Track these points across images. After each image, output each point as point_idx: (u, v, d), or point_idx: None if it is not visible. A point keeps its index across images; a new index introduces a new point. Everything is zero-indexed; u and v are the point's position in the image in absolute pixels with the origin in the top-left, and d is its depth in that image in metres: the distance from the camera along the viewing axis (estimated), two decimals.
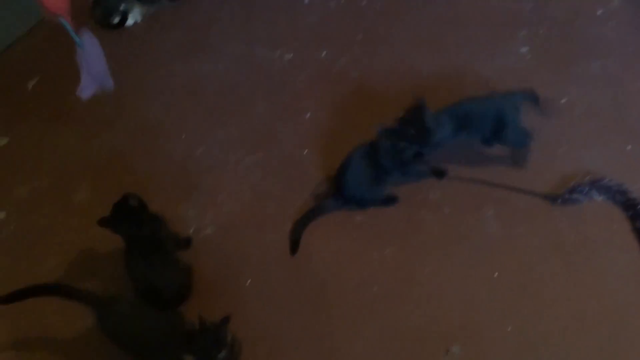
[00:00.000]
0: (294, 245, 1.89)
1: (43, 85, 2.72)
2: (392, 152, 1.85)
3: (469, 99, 2.02)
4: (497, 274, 1.79)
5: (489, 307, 1.72)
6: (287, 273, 1.86)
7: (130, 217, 1.67)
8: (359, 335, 1.71)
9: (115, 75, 2.66)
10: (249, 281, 1.85)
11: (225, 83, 2.58)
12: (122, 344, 1.60)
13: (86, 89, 1.82)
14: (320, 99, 2.43)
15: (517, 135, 2.00)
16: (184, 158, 2.27)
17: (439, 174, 2.02)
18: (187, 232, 2.00)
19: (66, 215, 2.13)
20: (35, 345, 1.85)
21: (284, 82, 2.54)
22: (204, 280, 1.87)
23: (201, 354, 1.40)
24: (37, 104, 2.62)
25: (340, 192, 1.95)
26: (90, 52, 1.79)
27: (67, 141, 2.41)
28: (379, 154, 1.87)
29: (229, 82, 2.59)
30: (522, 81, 2.37)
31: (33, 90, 2.70)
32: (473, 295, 1.76)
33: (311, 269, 1.85)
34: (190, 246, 1.93)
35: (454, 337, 1.67)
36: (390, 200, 1.99)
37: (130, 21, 3.01)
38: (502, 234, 1.89)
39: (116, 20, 2.97)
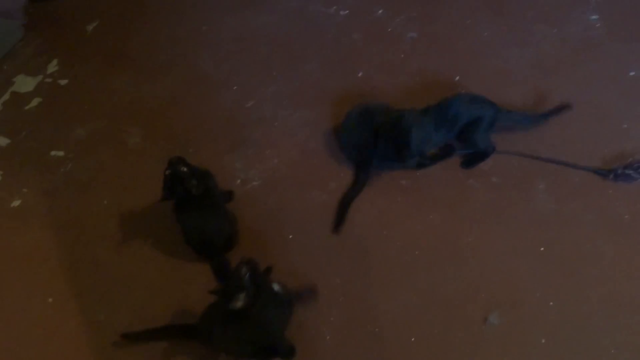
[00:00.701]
0: (338, 225, 1.88)
1: (102, 29, 2.77)
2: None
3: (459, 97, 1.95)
4: (543, 248, 1.75)
5: (532, 281, 1.69)
6: (329, 232, 1.87)
7: (181, 182, 1.70)
8: (398, 297, 1.71)
9: (172, 24, 2.72)
10: (291, 236, 1.87)
11: (278, 37, 2.56)
12: None
13: None
14: (373, 58, 2.38)
15: (483, 143, 1.94)
16: (234, 110, 2.28)
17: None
18: (234, 183, 2.03)
19: (120, 157, 2.19)
20: None
21: (338, 40, 2.50)
22: (249, 232, 1.90)
23: (223, 293, 1.45)
24: (96, 48, 2.68)
25: (405, 152, 1.87)
26: None
27: (123, 85, 2.46)
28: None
29: (282, 36, 2.56)
30: (590, 51, 2.26)
31: (92, 33, 2.75)
32: (516, 267, 1.73)
33: (353, 229, 1.85)
34: (232, 199, 1.97)
35: (494, 306, 1.65)
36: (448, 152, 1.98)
37: None
38: (552, 209, 1.83)
39: None
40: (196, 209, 1.76)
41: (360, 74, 2.34)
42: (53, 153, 2.24)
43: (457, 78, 2.24)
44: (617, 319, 1.60)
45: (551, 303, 1.64)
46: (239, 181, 2.04)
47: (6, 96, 2.53)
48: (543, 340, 1.59)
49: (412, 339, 1.63)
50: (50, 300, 1.85)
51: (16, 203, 2.12)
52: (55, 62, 2.63)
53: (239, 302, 1.40)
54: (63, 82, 2.53)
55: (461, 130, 1.92)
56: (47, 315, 1.82)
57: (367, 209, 1.90)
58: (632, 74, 2.16)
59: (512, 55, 2.30)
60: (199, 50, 2.56)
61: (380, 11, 2.58)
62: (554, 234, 1.78)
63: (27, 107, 2.45)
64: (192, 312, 1.69)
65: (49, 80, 2.55)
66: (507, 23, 2.44)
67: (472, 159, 1.96)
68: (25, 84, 2.56)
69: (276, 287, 1.54)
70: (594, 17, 2.40)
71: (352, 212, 1.90)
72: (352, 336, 1.67)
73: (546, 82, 2.18)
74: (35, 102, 2.47)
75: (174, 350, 1.69)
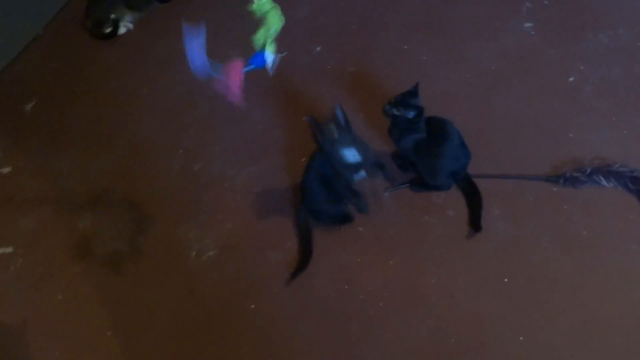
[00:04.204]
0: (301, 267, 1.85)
1: (41, 107, 2.71)
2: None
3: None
4: (506, 279, 1.72)
5: (500, 317, 1.66)
6: (291, 292, 1.83)
7: None
8: (365, 354, 1.67)
9: (112, 91, 2.67)
10: (253, 306, 1.82)
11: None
12: None
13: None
14: (316, 98, 2.35)
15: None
16: (183, 175, 2.24)
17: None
18: (190, 256, 1.98)
19: (71, 244, 2.13)
20: None
21: (278, 84, 2.46)
22: (209, 306, 1.85)
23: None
24: (36, 128, 2.62)
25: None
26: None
27: (67, 165, 2.40)
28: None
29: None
30: (528, 61, 2.26)
31: (31, 112, 2.69)
32: (483, 303, 1.69)
33: (314, 289, 1.81)
34: None
35: (465, 350, 1.62)
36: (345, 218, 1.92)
37: (122, 29, 2.97)
38: (511, 234, 1.81)
39: (108, 29, 2.94)
40: None
41: (304, 118, 2.30)
42: (1, 250, 2.17)
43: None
44: (589, 344, 1.57)
45: (521, 338, 1.60)
46: (194, 253, 1.99)
47: None
48: None
49: None
50: None
51: None
52: None
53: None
54: (5, 170, 2.46)
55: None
56: None
57: (327, 264, 1.86)
58: (570, 79, 2.16)
59: (452, 76, 2.29)
60: (140, 115, 2.52)
61: (318, 49, 2.56)
62: (515, 262, 1.75)
63: None
64: None
65: None
66: (444, 43, 2.43)
67: (422, 185, 1.93)
68: None
69: None
70: (528, 24, 2.40)
71: (313, 269, 1.86)
72: None
73: (488, 99, 2.17)
74: None
75: None
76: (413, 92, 1.78)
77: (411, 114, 1.76)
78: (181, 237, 2.03)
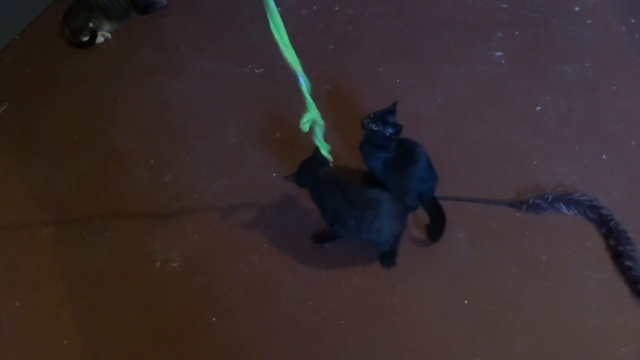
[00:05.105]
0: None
1: (12, 112, 2.67)
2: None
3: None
4: (466, 301, 1.74)
5: (458, 337, 1.68)
6: (253, 306, 1.82)
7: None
8: None
9: (85, 99, 2.66)
10: (214, 319, 1.81)
11: (194, 103, 2.53)
12: None
13: None
14: (290, 115, 2.37)
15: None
16: (152, 186, 2.23)
17: None
18: (154, 267, 1.96)
19: (34, 252, 2.09)
20: None
21: (254, 100, 2.49)
22: (170, 318, 1.83)
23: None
24: (6, 133, 2.58)
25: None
26: None
27: (35, 171, 2.37)
28: None
29: (198, 101, 2.54)
30: (497, 89, 2.32)
31: (2, 117, 2.66)
32: (443, 323, 1.71)
33: (276, 304, 1.81)
34: None
35: None
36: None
37: (100, 38, 2.96)
38: (473, 257, 1.84)
39: (85, 37, 2.93)
40: None
41: (277, 135, 2.32)
42: None
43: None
44: None
45: None
46: (158, 264, 1.97)
47: None
48: None
49: None
50: None
51: None
52: None
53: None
54: None
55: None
56: None
57: (291, 280, 1.87)
58: (537, 109, 2.22)
59: (424, 100, 2.34)
60: (113, 125, 2.50)
61: None
62: (476, 284, 1.78)
63: None
64: None
65: None
66: (417, 67, 2.49)
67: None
68: None
69: None
70: (499, 53, 2.47)
71: (275, 285, 1.86)
72: None
73: (458, 124, 2.22)
74: None
75: None
76: (391, 110, 1.80)
77: (389, 131, 1.78)
78: (147, 247, 2.01)
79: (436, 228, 1.87)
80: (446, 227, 1.85)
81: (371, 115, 1.80)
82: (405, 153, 1.86)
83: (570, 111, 2.20)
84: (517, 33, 2.55)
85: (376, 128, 1.78)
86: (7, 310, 1.94)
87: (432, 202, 1.92)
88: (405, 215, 1.82)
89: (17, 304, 1.95)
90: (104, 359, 1.78)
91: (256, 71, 2.63)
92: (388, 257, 1.84)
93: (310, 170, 1.74)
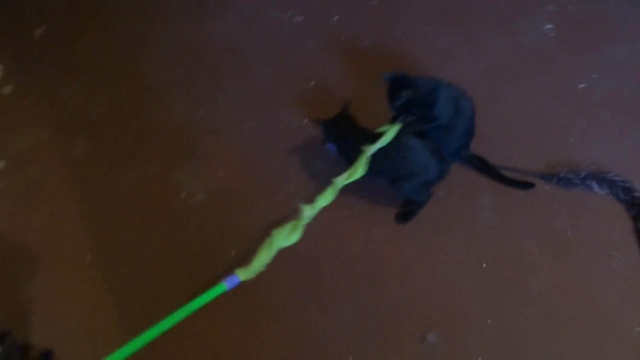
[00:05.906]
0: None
1: (50, 34, 2.69)
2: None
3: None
4: (485, 264, 1.74)
5: (472, 298, 1.68)
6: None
7: None
8: (338, 314, 1.69)
9: (122, 29, 2.66)
10: (233, 252, 1.83)
11: (231, 43, 2.52)
12: None
13: None
14: (326, 66, 2.35)
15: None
16: (183, 119, 2.24)
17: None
18: (179, 197, 1.98)
19: (64, 169, 2.13)
20: None
21: (291, 47, 2.46)
22: (190, 247, 1.86)
23: None
24: (43, 54, 2.61)
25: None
26: None
27: (69, 94, 2.40)
28: None
29: (235, 42, 2.52)
30: (542, 62, 2.26)
31: (40, 39, 2.68)
32: (458, 283, 1.71)
33: (296, 245, 1.82)
34: None
35: (432, 325, 1.64)
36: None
37: None
38: (497, 224, 1.82)
39: None
40: None
41: (312, 83, 2.30)
42: None
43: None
44: (553, 338, 1.59)
45: (489, 321, 1.62)
46: (183, 194, 1.99)
47: None
48: (480, 359, 1.58)
49: (350, 358, 1.61)
50: None
51: None
52: None
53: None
54: (6, 90, 2.45)
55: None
56: None
57: (312, 223, 1.86)
58: (581, 86, 2.16)
59: (465, 65, 2.29)
60: (148, 57, 2.51)
61: (335, 18, 2.55)
62: (496, 250, 1.76)
63: None
64: None
65: None
66: (462, 31, 2.43)
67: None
68: None
69: None
70: (549, 26, 2.39)
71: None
72: (290, 355, 1.64)
73: (497, 93, 2.17)
74: None
75: None
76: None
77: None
78: (173, 177, 2.04)
79: (503, 178, 1.89)
80: (471, 190, 1.84)
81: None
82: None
83: (615, 92, 2.13)
84: (570, 7, 2.45)
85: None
86: (34, 224, 1.99)
87: (472, 156, 1.91)
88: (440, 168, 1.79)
89: (44, 219, 2.00)
90: (122, 276, 1.82)
91: (296, 19, 2.59)
92: (405, 213, 1.84)
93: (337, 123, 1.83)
